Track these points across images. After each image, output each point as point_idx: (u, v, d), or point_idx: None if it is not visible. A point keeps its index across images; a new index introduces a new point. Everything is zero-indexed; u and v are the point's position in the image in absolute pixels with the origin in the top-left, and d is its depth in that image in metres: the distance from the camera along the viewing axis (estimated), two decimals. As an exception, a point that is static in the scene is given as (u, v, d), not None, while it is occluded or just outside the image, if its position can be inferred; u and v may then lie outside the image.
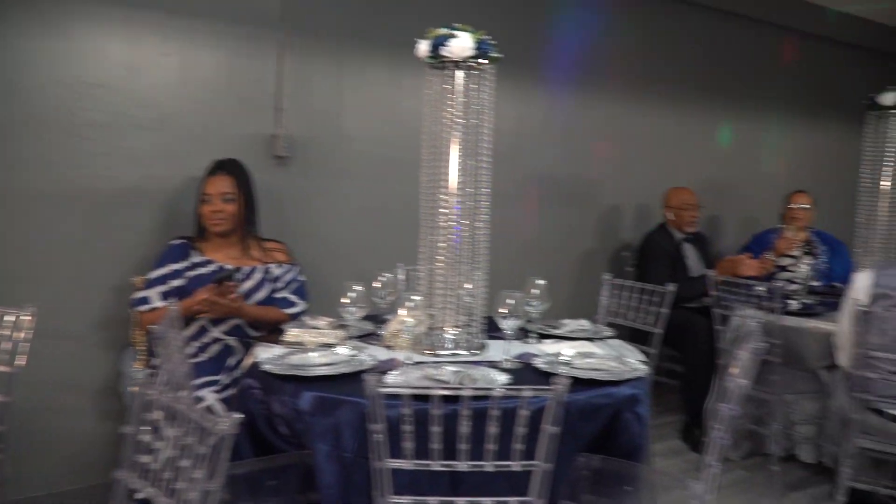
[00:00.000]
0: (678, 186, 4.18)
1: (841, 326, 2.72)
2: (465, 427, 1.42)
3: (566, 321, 2.72)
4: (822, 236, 4.24)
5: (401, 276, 3.00)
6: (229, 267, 2.59)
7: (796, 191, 4.24)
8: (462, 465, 1.44)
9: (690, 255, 4.10)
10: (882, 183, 3.50)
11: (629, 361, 2.16)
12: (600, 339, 2.55)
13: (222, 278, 2.43)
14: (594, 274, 3.39)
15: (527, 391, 1.40)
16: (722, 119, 4.99)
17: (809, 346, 3.09)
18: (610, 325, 3.00)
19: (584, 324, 2.71)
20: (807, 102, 5.47)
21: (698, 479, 1.92)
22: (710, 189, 4.65)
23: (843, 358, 2.71)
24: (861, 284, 2.65)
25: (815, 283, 3.89)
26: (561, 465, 1.95)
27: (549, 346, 2.35)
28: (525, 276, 2.45)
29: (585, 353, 2.24)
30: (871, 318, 2.51)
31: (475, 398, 1.45)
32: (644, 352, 2.67)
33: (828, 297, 3.60)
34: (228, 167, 2.71)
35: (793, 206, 4.17)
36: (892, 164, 3.48)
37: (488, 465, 1.44)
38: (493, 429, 1.42)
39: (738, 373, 1.88)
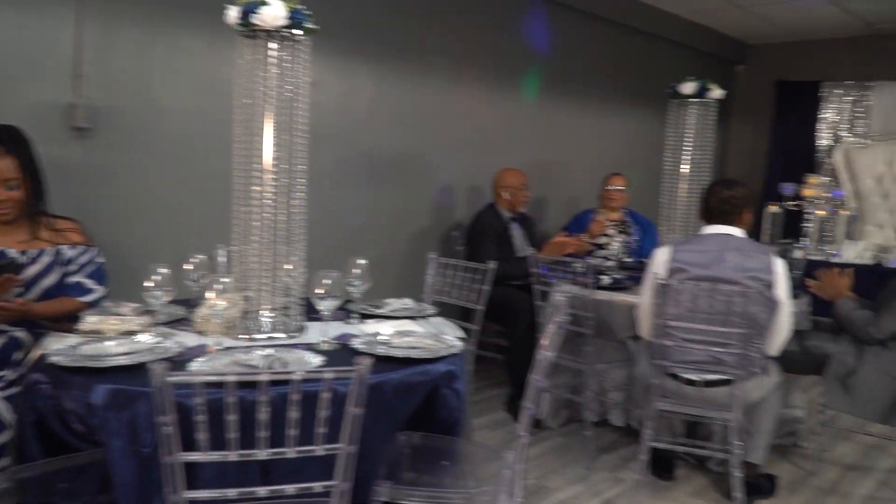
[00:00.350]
0: (510, 168, 4.30)
1: (642, 299, 2.92)
2: (263, 413, 1.35)
3: (390, 300, 2.71)
4: (635, 216, 4.56)
5: (221, 258, 2.84)
6: (11, 252, 2.32)
7: (612, 173, 4.52)
8: (262, 454, 1.38)
9: (517, 234, 4.25)
10: (682, 167, 3.80)
11: (447, 338, 2.19)
12: (422, 317, 2.56)
13: (1, 267, 2.17)
14: (425, 253, 3.41)
15: (328, 373, 1.35)
16: (545, 104, 5.19)
17: (618, 318, 3.30)
18: (436, 303, 3.03)
19: (407, 303, 2.71)
20: (622, 90, 5.85)
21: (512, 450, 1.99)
22: (534, 171, 4.83)
23: (644, 328, 2.92)
24: (660, 260, 2.86)
25: (627, 260, 4.18)
26: (378, 444, 1.94)
27: (369, 326, 2.33)
28: (352, 256, 2.40)
29: (404, 332, 2.24)
30: (668, 291, 2.71)
31: (281, 383, 1.39)
32: (466, 329, 2.72)
33: (637, 272, 3.86)
34: (6, 142, 2.36)
35: (608, 187, 4.45)
36: (690, 149, 3.78)
37: (290, 452, 1.39)
38: (294, 414, 1.36)
39: (546, 345, 1.96)
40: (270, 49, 2.12)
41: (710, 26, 6.42)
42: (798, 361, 3.11)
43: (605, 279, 3.62)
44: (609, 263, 4.02)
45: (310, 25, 2.14)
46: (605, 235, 4.32)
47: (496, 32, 4.74)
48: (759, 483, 2.97)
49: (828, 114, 6.39)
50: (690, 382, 2.79)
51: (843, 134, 6.30)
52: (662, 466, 3.13)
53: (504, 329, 3.91)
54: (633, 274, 3.81)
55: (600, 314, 3.26)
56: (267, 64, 2.13)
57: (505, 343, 3.93)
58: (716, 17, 6.12)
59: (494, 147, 4.80)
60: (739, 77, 7.15)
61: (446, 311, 2.95)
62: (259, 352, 1.88)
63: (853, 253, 4.98)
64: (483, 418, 3.74)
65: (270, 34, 2.11)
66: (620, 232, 4.40)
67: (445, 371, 2.02)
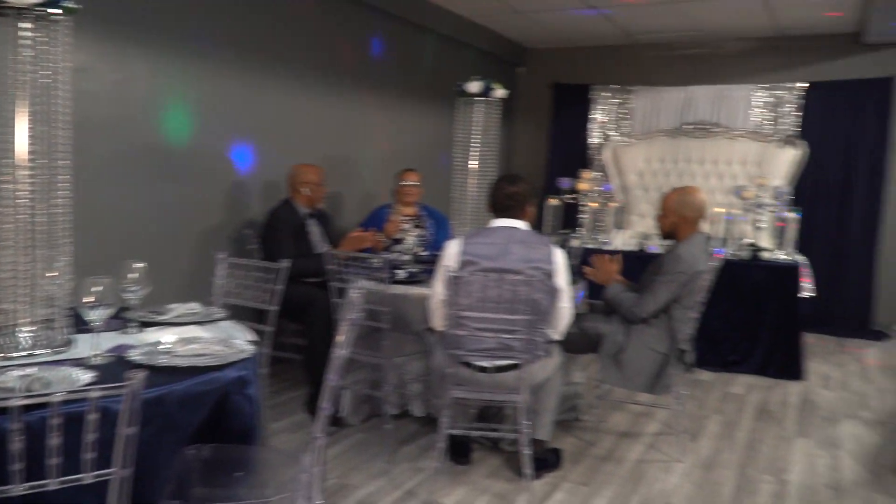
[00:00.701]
0: (308, 164, 4.20)
1: (434, 290, 3.00)
2: (17, 443, 1.19)
3: (174, 306, 2.53)
4: (429, 210, 4.68)
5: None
6: None
7: (406, 169, 4.60)
8: (18, 489, 1.22)
9: (314, 231, 4.18)
10: (470, 163, 3.97)
11: (236, 343, 2.09)
12: (210, 322, 2.42)
13: None
14: (214, 253, 3.22)
15: (95, 391, 1.23)
16: (337, 100, 5.16)
17: (414, 311, 3.36)
18: (226, 306, 2.89)
19: (193, 307, 2.55)
20: (414, 87, 5.98)
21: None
22: (329, 167, 4.78)
23: (436, 319, 3.00)
24: (451, 252, 2.95)
25: (423, 253, 4.28)
26: (163, 462, 1.81)
27: (150, 335, 2.15)
28: (129, 259, 2.20)
29: (189, 339, 2.10)
30: (459, 283, 2.81)
31: (41, 406, 1.24)
32: (260, 331, 2.62)
33: (432, 265, 3.96)
34: None
35: (403, 183, 4.52)
36: (478, 145, 3.96)
37: (53, 484, 1.24)
38: (56, 440, 1.22)
39: (341, 342, 1.94)
40: (22, 29, 1.90)
41: (494, 29, 6.76)
42: (576, 342, 3.37)
43: (401, 273, 3.67)
44: (405, 258, 4.09)
45: (69, 5, 1.94)
46: (401, 230, 4.39)
47: (288, 25, 4.61)
48: (547, 457, 3.19)
49: (597, 115, 7.02)
50: (482, 369, 2.91)
51: (611, 133, 6.96)
52: (459, 452, 3.24)
53: (302, 328, 3.84)
54: (428, 267, 3.90)
55: (396, 308, 3.30)
56: (18, 46, 1.90)
57: (303, 342, 3.85)
58: (498, 21, 6.47)
59: (287, 143, 4.68)
60: (520, 78, 7.62)
61: (238, 313, 2.82)
62: (15, 372, 1.66)
63: (621, 241, 5.52)
64: (283, 421, 3.64)
65: (21, 12, 1.89)
66: (415, 226, 4.50)
67: (235, 377, 1.93)
